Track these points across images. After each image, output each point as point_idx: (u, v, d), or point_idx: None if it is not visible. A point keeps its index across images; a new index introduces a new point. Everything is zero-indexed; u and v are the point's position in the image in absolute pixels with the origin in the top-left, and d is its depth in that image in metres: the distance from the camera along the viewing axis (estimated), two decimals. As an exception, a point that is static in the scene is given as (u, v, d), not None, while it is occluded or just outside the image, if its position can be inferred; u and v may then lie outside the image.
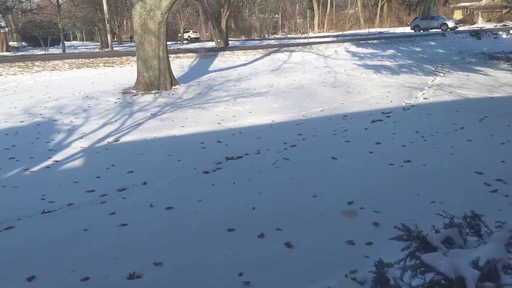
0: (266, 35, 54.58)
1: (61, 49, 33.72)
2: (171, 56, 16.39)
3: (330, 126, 7.52)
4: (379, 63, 17.76)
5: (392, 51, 21.66)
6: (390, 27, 55.21)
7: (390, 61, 18.19)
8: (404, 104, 9.42)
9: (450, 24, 35.02)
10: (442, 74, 14.07)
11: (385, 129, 7.14)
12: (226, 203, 4.16)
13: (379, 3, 62.82)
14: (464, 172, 4.69)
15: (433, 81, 12.74)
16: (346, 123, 7.75)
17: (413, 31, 34.99)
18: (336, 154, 5.68)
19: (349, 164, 5.32)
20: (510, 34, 26.56)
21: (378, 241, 3.17)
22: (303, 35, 43.97)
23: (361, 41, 25.31)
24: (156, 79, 11.94)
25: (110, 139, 7.07)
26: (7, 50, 35.59)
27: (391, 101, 9.76)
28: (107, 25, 31.75)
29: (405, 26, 50.32)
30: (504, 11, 32.14)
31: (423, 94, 10.53)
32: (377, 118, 8.02)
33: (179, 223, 3.76)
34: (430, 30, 33.13)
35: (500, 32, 27.09)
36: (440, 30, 33.60)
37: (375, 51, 21.73)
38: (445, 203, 3.72)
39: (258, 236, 3.40)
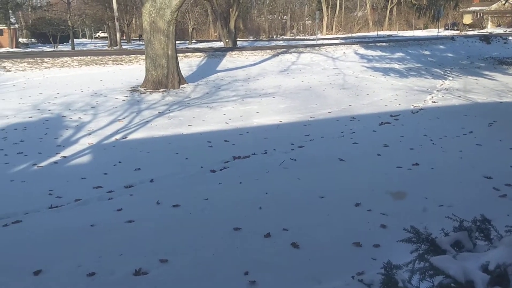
0: (275, 36, 54.58)
1: (70, 46, 33.93)
2: (180, 55, 16.43)
3: (338, 128, 7.50)
4: (387, 65, 17.69)
5: (400, 54, 21.57)
6: (399, 30, 55.08)
7: (399, 64, 18.11)
8: (412, 107, 9.37)
9: None
10: (451, 78, 13.99)
11: (393, 132, 7.11)
12: (232, 202, 4.16)
13: (388, 6, 62.66)
14: (473, 176, 4.65)
15: (442, 84, 12.67)
16: (354, 125, 7.72)
17: None
18: (343, 155, 5.66)
19: (357, 166, 5.30)
20: (520, 39, 26.36)
21: (385, 243, 3.15)
22: (312, 37, 43.95)
23: (370, 44, 25.24)
24: (165, 78, 11.97)
25: (117, 136, 7.10)
26: (16, 47, 35.86)
27: (399, 104, 9.71)
28: (116, 23, 31.90)
29: (415, 29, 50.16)
30: (514, 16, 31.73)
31: (432, 97, 10.47)
32: (385, 121, 7.98)
33: (186, 220, 3.76)
34: None
35: (510, 37, 26.90)
36: None
37: (383, 53, 21.65)
38: (454, 207, 3.68)
39: (264, 235, 3.39)
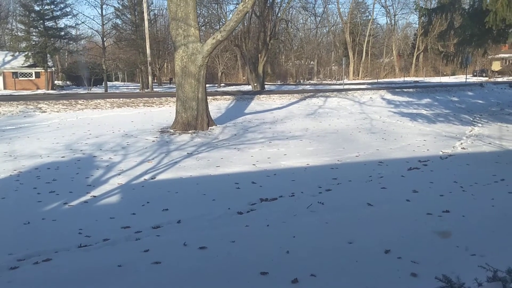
0: (302, 81, 55.44)
1: (104, 89, 35.29)
2: (209, 98, 16.85)
3: (366, 172, 7.43)
4: (415, 111, 17.64)
5: (428, 100, 21.52)
6: (426, 77, 55.14)
7: (426, 110, 18.03)
8: (441, 153, 9.23)
9: None
10: (480, 125, 13.79)
11: (422, 178, 6.99)
12: (259, 245, 4.12)
13: (415, 53, 63.11)
14: (506, 226, 4.49)
15: (471, 131, 12.49)
16: (382, 170, 7.64)
17: None
18: (372, 200, 5.58)
19: (386, 211, 5.20)
20: (552, 86, 25.93)
21: (417, 293, 3.04)
22: (338, 82, 44.40)
23: (397, 89, 25.29)
24: (194, 120, 12.25)
25: (146, 177, 7.22)
26: (52, 89, 37.55)
27: (428, 150, 9.60)
28: (149, 67, 33.13)
29: (442, 75, 50.11)
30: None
31: (461, 143, 10.31)
32: (414, 166, 7.87)
33: (212, 263, 3.74)
34: None
35: (542, 84, 26.52)
36: None
37: (410, 99, 21.64)
38: (486, 257, 3.54)
39: (291, 281, 3.33)
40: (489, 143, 10.24)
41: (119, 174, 7.39)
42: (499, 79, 40.70)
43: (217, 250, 3.99)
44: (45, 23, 37.22)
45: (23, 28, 39.27)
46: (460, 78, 43.30)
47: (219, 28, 14.34)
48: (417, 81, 42.68)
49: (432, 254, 3.79)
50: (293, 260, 3.75)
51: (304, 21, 64.93)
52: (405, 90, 25.08)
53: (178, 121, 12.40)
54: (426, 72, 59.29)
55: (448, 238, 3.72)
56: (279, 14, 35.85)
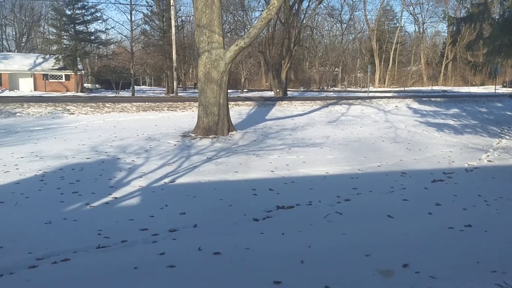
0: (325, 87, 55.15)
1: (131, 93, 35.94)
2: (231, 103, 16.94)
3: (387, 183, 7.31)
4: (442, 121, 17.28)
5: (456, 110, 21.06)
6: (454, 86, 54.13)
7: (454, 120, 17.65)
8: (467, 165, 9.01)
9: None
10: (508, 137, 13.40)
11: (446, 190, 6.83)
12: (274, 253, 4.09)
13: (444, 61, 62.02)
14: (532, 243, 4.34)
15: (498, 143, 12.15)
16: (405, 181, 7.50)
17: None
18: (392, 212, 5.48)
19: (406, 224, 5.10)
20: None
21: (433, 309, 2.96)
22: (363, 89, 44.01)
23: (424, 98, 24.88)
24: (215, 125, 12.33)
25: (166, 180, 7.29)
26: (81, 91, 38.47)
27: (453, 161, 9.38)
28: (175, 73, 33.57)
29: (471, 85, 49.07)
30: None
31: (488, 156, 10.03)
32: (438, 178, 7.70)
33: (226, 269, 3.73)
34: None
35: None
36: None
37: (438, 109, 21.23)
38: (507, 274, 3.43)
39: (305, 291, 3.29)
40: (517, 156, 9.95)
41: (141, 177, 7.49)
42: (531, 90, 39.56)
43: (231, 256, 3.98)
44: (76, 27, 38.28)
45: (55, 31, 40.47)
46: (489, 89, 42.34)
47: (244, 34, 14.44)
48: (445, 91, 41.93)
49: (451, 270, 3.68)
50: (307, 271, 3.70)
51: (329, 28, 64.74)
52: (432, 99, 24.65)
53: (199, 126, 12.51)
54: (455, 82, 58.19)
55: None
56: (304, 21, 35.80)
